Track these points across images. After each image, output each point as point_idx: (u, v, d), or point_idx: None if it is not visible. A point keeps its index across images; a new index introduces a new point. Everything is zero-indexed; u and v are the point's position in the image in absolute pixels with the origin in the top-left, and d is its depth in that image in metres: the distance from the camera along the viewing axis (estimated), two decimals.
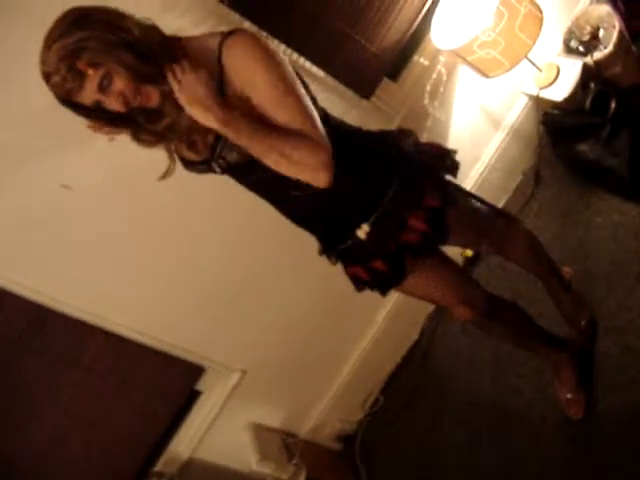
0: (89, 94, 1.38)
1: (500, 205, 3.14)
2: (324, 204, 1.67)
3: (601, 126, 2.56)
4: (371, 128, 1.76)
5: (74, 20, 1.35)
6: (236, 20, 2.33)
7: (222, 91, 1.45)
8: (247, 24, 2.35)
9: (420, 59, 2.76)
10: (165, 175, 1.61)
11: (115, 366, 2.79)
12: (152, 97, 1.44)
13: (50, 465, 2.85)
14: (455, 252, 2.80)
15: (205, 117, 1.41)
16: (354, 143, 1.59)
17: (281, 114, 1.44)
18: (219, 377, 2.99)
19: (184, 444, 3.06)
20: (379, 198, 1.65)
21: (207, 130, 1.47)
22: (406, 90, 2.80)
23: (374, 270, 1.77)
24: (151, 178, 1.63)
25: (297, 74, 1.56)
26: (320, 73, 2.54)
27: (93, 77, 1.35)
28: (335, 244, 1.80)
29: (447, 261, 1.92)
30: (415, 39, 2.73)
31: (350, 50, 2.54)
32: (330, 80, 2.57)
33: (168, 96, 1.44)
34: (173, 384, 2.95)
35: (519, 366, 2.51)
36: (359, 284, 1.85)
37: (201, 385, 3.02)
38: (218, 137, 1.52)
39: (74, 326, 2.64)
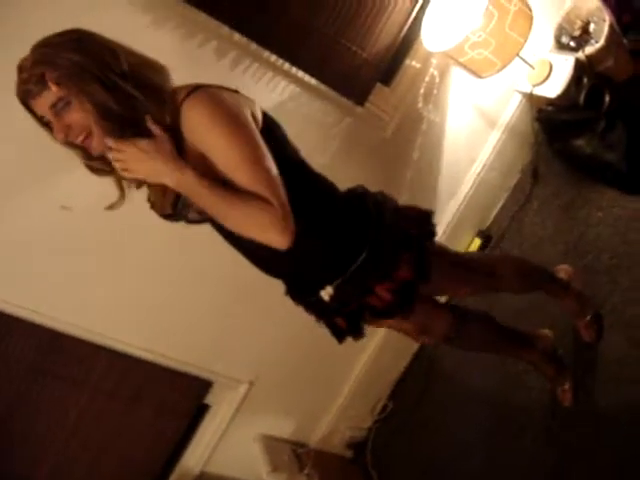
0: (41, 106, 1.38)
1: (499, 204, 3.14)
2: (290, 263, 1.64)
3: (596, 120, 2.56)
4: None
5: (70, 39, 1.36)
6: (225, 33, 2.34)
7: (180, 146, 1.43)
8: (237, 36, 2.36)
9: (412, 62, 2.75)
10: (112, 206, 1.56)
11: (122, 384, 2.78)
12: (94, 147, 1.42)
13: None
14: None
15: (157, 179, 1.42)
16: (328, 204, 1.56)
17: (238, 177, 1.39)
18: (227, 390, 2.98)
19: (195, 459, 3.05)
20: (347, 264, 1.61)
21: (164, 187, 1.46)
22: (400, 94, 2.79)
23: (333, 323, 1.80)
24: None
25: (267, 116, 1.53)
26: (312, 81, 2.55)
27: (52, 93, 1.34)
28: (299, 296, 1.82)
29: None
30: (406, 43, 2.72)
31: (341, 57, 2.55)
32: (323, 88, 2.57)
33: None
34: (181, 399, 2.94)
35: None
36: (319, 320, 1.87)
37: (209, 399, 3.01)
38: (178, 195, 1.50)
39: (80, 346, 2.63)
